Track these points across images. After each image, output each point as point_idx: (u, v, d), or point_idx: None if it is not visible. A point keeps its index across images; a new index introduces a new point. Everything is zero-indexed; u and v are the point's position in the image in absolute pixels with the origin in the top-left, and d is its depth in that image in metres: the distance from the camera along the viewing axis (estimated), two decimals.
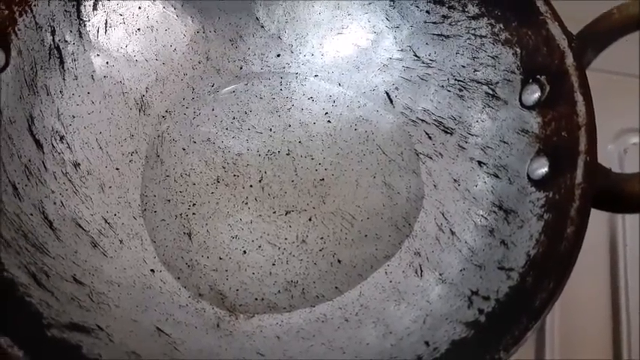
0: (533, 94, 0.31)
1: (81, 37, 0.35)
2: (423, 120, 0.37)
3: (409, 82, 0.37)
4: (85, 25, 0.36)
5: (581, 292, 0.38)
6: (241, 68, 0.39)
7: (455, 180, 0.35)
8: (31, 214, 0.31)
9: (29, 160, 0.32)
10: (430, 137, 0.36)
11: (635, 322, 0.38)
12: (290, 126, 0.38)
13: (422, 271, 0.33)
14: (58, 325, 0.27)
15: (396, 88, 0.38)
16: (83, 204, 0.33)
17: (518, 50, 0.32)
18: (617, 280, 0.40)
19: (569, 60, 0.29)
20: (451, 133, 0.36)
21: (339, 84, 0.39)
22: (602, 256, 0.41)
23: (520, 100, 0.32)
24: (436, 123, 0.36)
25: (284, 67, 0.39)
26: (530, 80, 0.32)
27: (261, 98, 0.38)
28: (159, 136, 0.37)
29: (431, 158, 0.36)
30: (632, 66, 0.45)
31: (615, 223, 0.42)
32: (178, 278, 0.33)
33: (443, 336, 0.28)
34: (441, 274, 0.32)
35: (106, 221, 0.34)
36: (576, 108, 0.29)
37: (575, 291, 0.35)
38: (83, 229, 0.33)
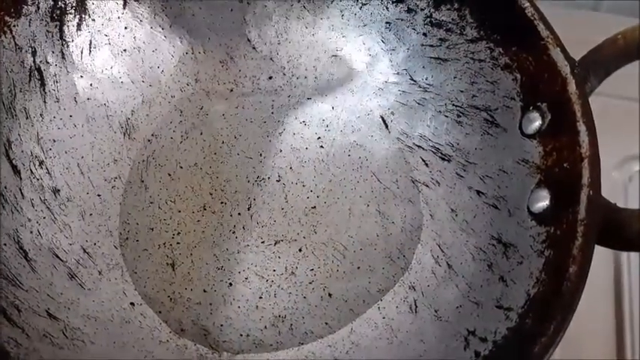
0: (534, 122, 0.30)
1: (64, 58, 0.34)
2: (419, 146, 0.35)
3: (405, 106, 0.36)
4: (68, 46, 0.34)
5: (584, 328, 0.37)
6: (231, 90, 0.38)
7: (452, 210, 0.33)
8: (5, 245, 0.30)
9: (5, 187, 0.31)
10: (427, 164, 0.35)
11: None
12: (281, 151, 0.36)
13: (417, 307, 0.31)
14: None
15: (392, 113, 0.36)
16: (61, 232, 0.32)
17: (518, 76, 0.31)
18: (622, 315, 0.39)
19: (572, 87, 0.28)
20: (449, 161, 0.34)
21: (333, 108, 0.37)
22: (606, 290, 0.39)
23: (520, 127, 0.31)
24: (433, 149, 0.35)
25: (276, 90, 0.38)
26: (531, 107, 0.30)
27: (251, 122, 0.37)
28: (144, 161, 0.35)
29: (428, 186, 0.34)
30: (632, 89, 0.44)
31: (620, 254, 0.40)
32: (159, 312, 0.31)
33: None
34: (436, 311, 0.31)
35: (84, 251, 0.32)
36: (579, 138, 0.27)
37: (579, 328, 0.34)
38: (60, 259, 0.31)
